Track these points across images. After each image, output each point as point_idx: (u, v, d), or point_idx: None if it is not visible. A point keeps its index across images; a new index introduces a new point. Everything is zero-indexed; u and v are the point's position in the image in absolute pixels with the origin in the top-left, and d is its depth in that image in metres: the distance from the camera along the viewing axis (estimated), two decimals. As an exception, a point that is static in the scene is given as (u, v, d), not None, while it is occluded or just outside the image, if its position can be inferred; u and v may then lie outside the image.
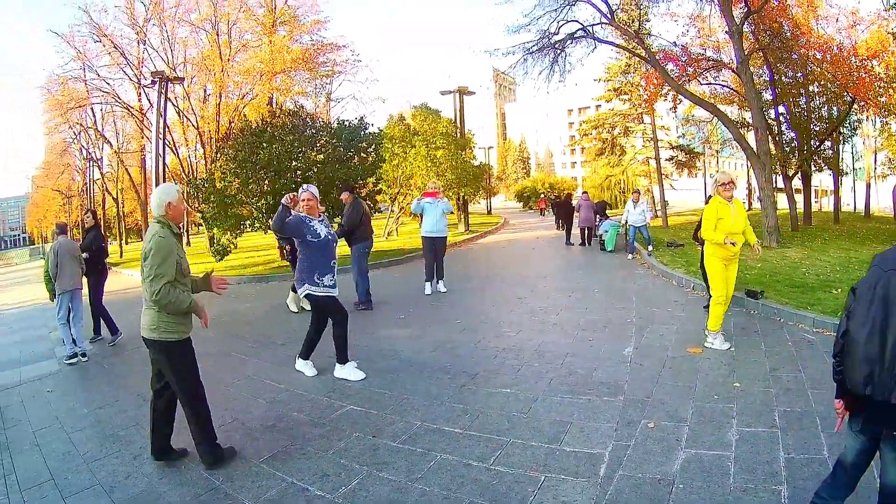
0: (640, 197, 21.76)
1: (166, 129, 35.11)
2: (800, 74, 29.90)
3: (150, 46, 46.21)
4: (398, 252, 27.37)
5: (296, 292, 13.79)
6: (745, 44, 24.15)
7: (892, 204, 5.86)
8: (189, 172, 45.64)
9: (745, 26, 24.27)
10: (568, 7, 26.05)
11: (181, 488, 5.68)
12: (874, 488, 3.84)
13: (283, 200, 8.48)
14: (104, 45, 45.10)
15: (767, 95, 31.04)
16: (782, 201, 30.88)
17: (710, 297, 11.49)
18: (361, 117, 25.62)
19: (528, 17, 27.02)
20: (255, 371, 9.50)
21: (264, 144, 22.50)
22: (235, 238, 24.99)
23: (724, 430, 5.93)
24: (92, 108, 53.42)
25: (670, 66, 28.26)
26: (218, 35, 44.22)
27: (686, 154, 51.35)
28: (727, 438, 5.74)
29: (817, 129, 31.83)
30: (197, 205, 32.05)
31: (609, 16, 25.76)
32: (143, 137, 51.71)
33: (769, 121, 29.44)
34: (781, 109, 31.89)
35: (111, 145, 58.68)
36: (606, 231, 23.83)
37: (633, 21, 28.37)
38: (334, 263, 8.87)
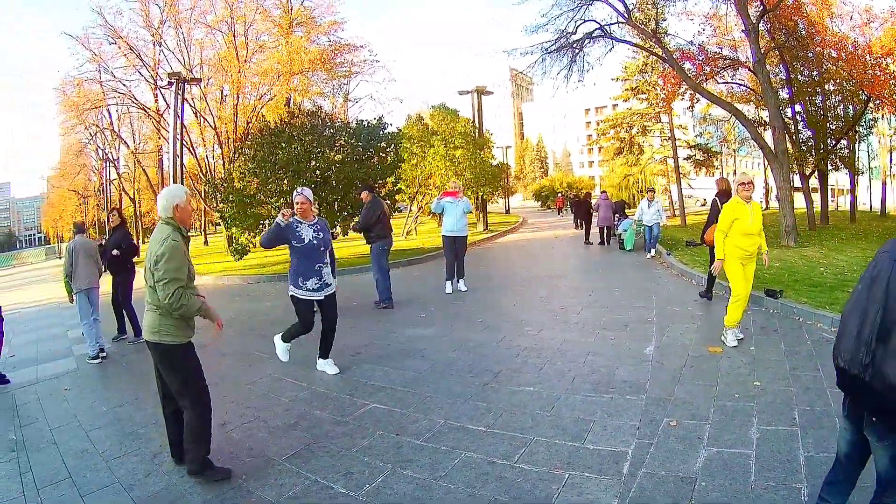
0: (655, 196, 21.55)
1: (184, 130, 35.13)
2: (815, 73, 29.82)
3: (166, 48, 46.32)
4: (418, 251, 27.36)
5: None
6: (760, 42, 24.07)
7: None
8: (207, 172, 45.58)
9: (760, 25, 24.19)
10: (585, 7, 26.04)
11: (202, 486, 5.67)
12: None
13: (277, 218, 8.60)
14: (119, 47, 45.23)
15: (784, 94, 30.92)
16: (799, 200, 30.76)
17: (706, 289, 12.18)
18: (380, 117, 25.59)
19: (546, 17, 27.05)
20: (275, 370, 9.50)
21: (283, 144, 22.63)
22: (254, 237, 24.99)
23: (745, 429, 5.91)
24: (108, 109, 53.76)
25: (687, 65, 28.17)
26: (234, 36, 44.12)
27: (704, 153, 51.19)
28: (748, 437, 5.73)
29: (833, 127, 31.75)
30: (216, 204, 32.11)
31: (626, 15, 25.75)
32: (160, 138, 51.85)
33: (786, 119, 29.36)
34: (798, 108, 31.81)
35: (128, 146, 58.96)
36: (625, 230, 23.77)
37: (649, 20, 28.27)
38: (320, 267, 8.89)
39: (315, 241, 8.75)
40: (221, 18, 44.39)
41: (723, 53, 30.68)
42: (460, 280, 15.75)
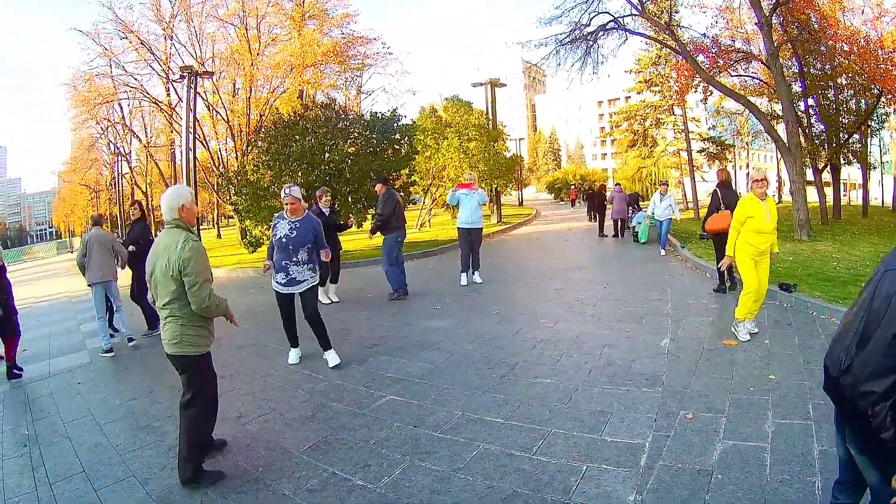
0: (668, 190, 21.28)
1: (196, 123, 35.14)
2: (828, 66, 29.69)
3: (178, 42, 46.33)
4: (432, 243, 27.43)
5: (324, 286, 13.87)
6: (773, 36, 23.97)
7: None
8: (219, 165, 45.62)
9: (773, 18, 24.09)
10: (598, -2, 25.93)
11: (218, 480, 5.67)
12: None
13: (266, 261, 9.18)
14: (130, 42, 45.27)
15: (797, 87, 30.80)
16: (812, 194, 30.69)
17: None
18: (394, 109, 25.55)
19: (560, 9, 26.97)
20: (290, 362, 9.51)
21: (297, 137, 22.62)
22: (268, 229, 24.81)
23: (761, 422, 5.92)
24: (119, 104, 53.73)
25: (700, 58, 28.09)
26: (247, 29, 44.11)
27: (717, 146, 51.05)
28: (763, 430, 5.74)
29: (846, 121, 31.61)
30: (229, 197, 32.17)
31: (639, 7, 25.73)
32: (172, 131, 51.94)
33: (799, 113, 29.27)
34: (811, 102, 31.64)
35: (140, 140, 58.94)
36: (640, 223, 23.82)
37: (662, 12, 28.19)
38: (286, 264, 9.01)
39: (284, 239, 8.90)
40: (233, 12, 44.44)
41: (736, 46, 30.54)
42: (475, 272, 15.79)
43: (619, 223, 26.93)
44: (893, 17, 27.42)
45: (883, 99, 29.30)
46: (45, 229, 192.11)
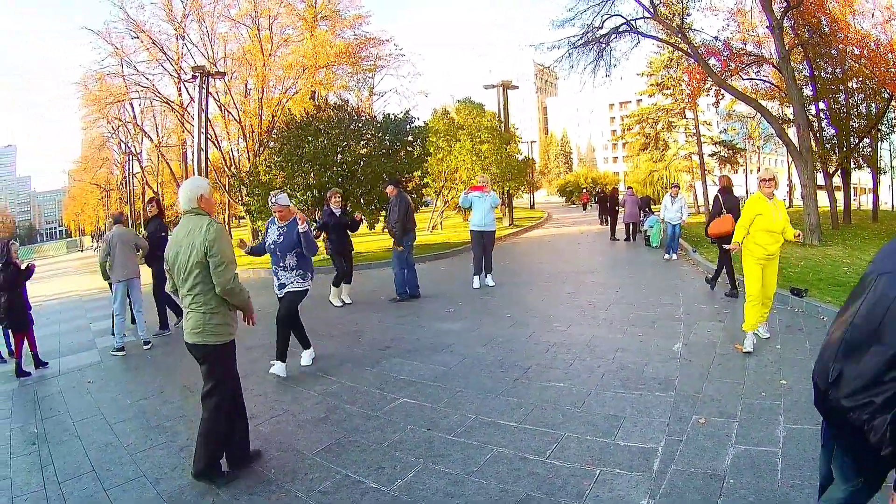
0: (679, 192, 20.97)
1: (208, 123, 35.17)
2: (838, 70, 29.63)
3: (190, 42, 46.29)
4: (444, 245, 27.41)
5: (337, 287, 13.88)
6: (784, 39, 23.93)
7: None
8: (231, 166, 45.66)
9: (784, 21, 24.05)
10: (611, 1, 26.05)
11: (231, 480, 5.68)
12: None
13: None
14: (142, 41, 45.26)
15: (808, 91, 30.70)
16: (822, 199, 30.61)
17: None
18: (407, 111, 25.66)
19: (573, 11, 27.05)
20: (303, 364, 9.52)
21: (309, 138, 22.81)
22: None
23: (773, 427, 5.91)
24: (131, 103, 53.72)
25: (712, 61, 28.11)
26: (259, 30, 44.10)
27: (728, 149, 51.03)
28: (775, 435, 5.73)
29: (856, 125, 31.51)
30: (241, 197, 32.24)
31: (651, 10, 25.73)
32: (183, 131, 51.94)
33: (810, 117, 29.20)
34: (822, 105, 31.57)
35: (151, 139, 58.98)
36: (651, 227, 23.78)
37: (674, 15, 28.19)
38: (276, 269, 9.16)
39: (273, 245, 8.99)
40: (245, 12, 44.42)
41: (747, 49, 30.53)
42: (488, 275, 15.78)
43: (631, 227, 26.88)
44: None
45: (893, 103, 29.33)
46: (55, 227, 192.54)
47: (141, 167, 67.61)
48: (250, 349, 10.49)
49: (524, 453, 5.66)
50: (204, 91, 30.32)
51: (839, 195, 34.06)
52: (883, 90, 27.94)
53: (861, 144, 32.06)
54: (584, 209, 67.17)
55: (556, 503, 4.81)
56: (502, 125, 40.89)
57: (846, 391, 2.83)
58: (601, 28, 26.79)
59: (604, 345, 9.35)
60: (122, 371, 10.68)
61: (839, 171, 32.33)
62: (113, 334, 12.15)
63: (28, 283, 11.42)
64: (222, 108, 44.75)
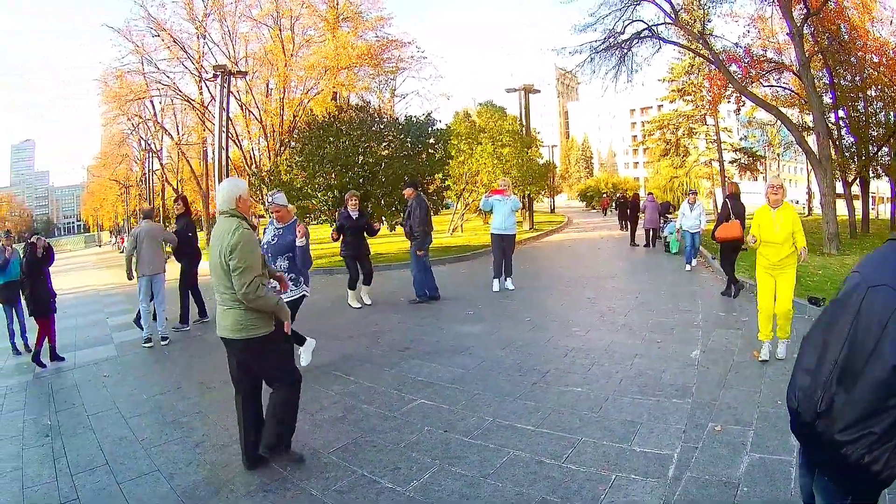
0: (697, 199, 20.75)
1: (229, 122, 35.28)
2: (857, 78, 29.47)
3: (211, 41, 46.52)
4: (465, 248, 27.40)
5: (353, 289, 13.88)
6: (805, 46, 23.84)
7: None
8: (252, 165, 45.81)
9: (804, 28, 23.96)
10: (632, 7, 25.96)
11: (246, 477, 5.71)
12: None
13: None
14: (163, 40, 45.48)
15: (827, 99, 30.55)
16: (841, 207, 30.44)
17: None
18: (429, 113, 25.66)
19: (594, 16, 26.99)
20: (322, 362, 9.54)
21: (331, 138, 22.84)
22: (299, 229, 25.05)
23: (788, 436, 5.78)
24: (151, 101, 54.00)
25: (733, 68, 27.99)
26: (280, 30, 44.37)
27: (749, 157, 50.90)
28: (790, 444, 5.65)
29: (875, 134, 31.31)
30: (261, 197, 32.34)
31: (673, 16, 25.60)
32: (204, 130, 52.06)
33: (829, 125, 29.04)
34: (841, 114, 31.38)
35: (171, 137, 59.20)
36: (671, 233, 23.65)
37: (695, 21, 28.10)
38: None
39: (265, 246, 8.82)
40: (267, 12, 44.68)
41: (768, 56, 30.43)
42: (508, 278, 15.73)
43: (651, 233, 26.84)
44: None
45: (911, 111, 29.13)
46: (73, 222, 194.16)
47: (161, 164, 67.91)
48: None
49: (540, 457, 5.66)
50: (225, 90, 30.51)
51: (857, 204, 33.90)
52: (901, 98, 27.85)
53: (880, 153, 31.88)
54: (604, 214, 67.01)
55: (571, 507, 4.80)
56: (524, 129, 40.81)
57: (841, 425, 2.52)
58: (623, 33, 26.68)
59: (622, 350, 9.34)
60: (140, 366, 10.71)
61: (858, 179, 32.16)
62: (141, 327, 12.32)
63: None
64: (243, 107, 44.98)
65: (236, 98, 42.38)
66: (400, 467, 5.65)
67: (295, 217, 9.24)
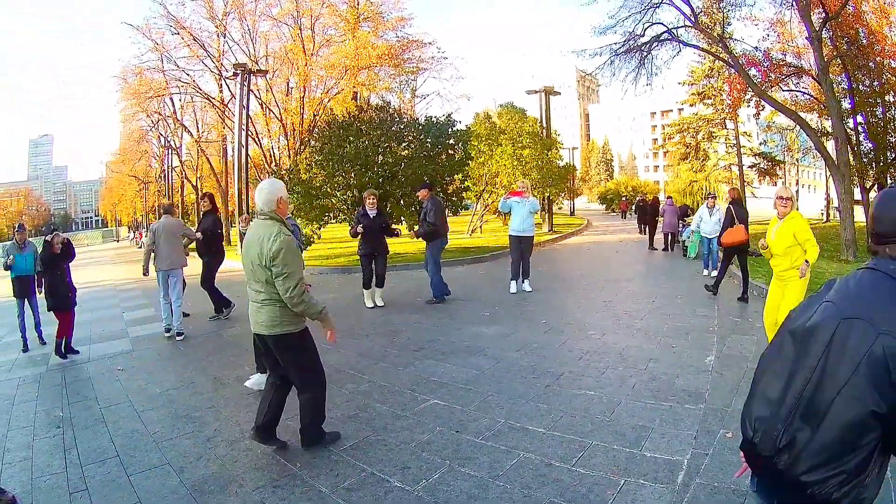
0: (716, 203, 19.93)
1: (249, 121, 35.40)
2: (876, 83, 29.32)
3: (231, 39, 46.86)
4: (484, 249, 27.45)
5: (369, 288, 13.87)
6: (823, 50, 23.74)
7: None
8: (272, 163, 45.98)
9: (823, 32, 23.84)
10: (652, 9, 25.95)
11: (256, 472, 5.76)
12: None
13: None
14: (182, 38, 45.79)
15: (846, 104, 30.39)
16: (859, 213, 30.30)
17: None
18: (449, 114, 25.69)
19: (614, 19, 27.09)
20: (337, 361, 9.55)
21: (351, 138, 22.88)
22: (319, 229, 25.53)
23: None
24: (171, 98, 54.30)
25: (753, 71, 27.96)
26: (301, 30, 44.59)
27: (768, 162, 50.78)
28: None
29: (893, 140, 31.17)
30: (285, 195, 32.56)
31: (693, 18, 25.54)
32: (224, 127, 52.28)
33: (848, 130, 28.90)
34: (860, 119, 31.21)
35: (191, 134, 59.45)
36: (689, 237, 23.44)
37: (715, 24, 28.03)
38: None
39: None
40: (287, 12, 44.93)
41: (787, 60, 30.34)
42: (525, 280, 15.72)
43: (669, 237, 26.79)
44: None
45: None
46: (91, 217, 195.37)
47: (180, 161, 68.27)
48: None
49: (550, 460, 5.64)
50: (245, 88, 30.56)
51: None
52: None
53: (898, 159, 31.73)
54: (623, 217, 67.27)
55: (579, 511, 4.79)
56: (544, 131, 40.77)
57: (806, 465, 2.31)
58: (642, 36, 26.69)
59: (637, 354, 9.31)
60: (154, 360, 10.80)
61: (876, 185, 31.99)
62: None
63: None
64: (263, 105, 45.28)
65: (256, 96, 42.60)
66: (410, 467, 5.65)
67: (290, 216, 9.03)
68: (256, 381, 8.25)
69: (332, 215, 25.00)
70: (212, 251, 13.95)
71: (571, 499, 4.92)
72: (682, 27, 26.52)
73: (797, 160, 62.02)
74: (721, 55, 28.38)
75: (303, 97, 44.21)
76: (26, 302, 12.51)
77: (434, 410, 7.16)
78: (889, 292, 2.33)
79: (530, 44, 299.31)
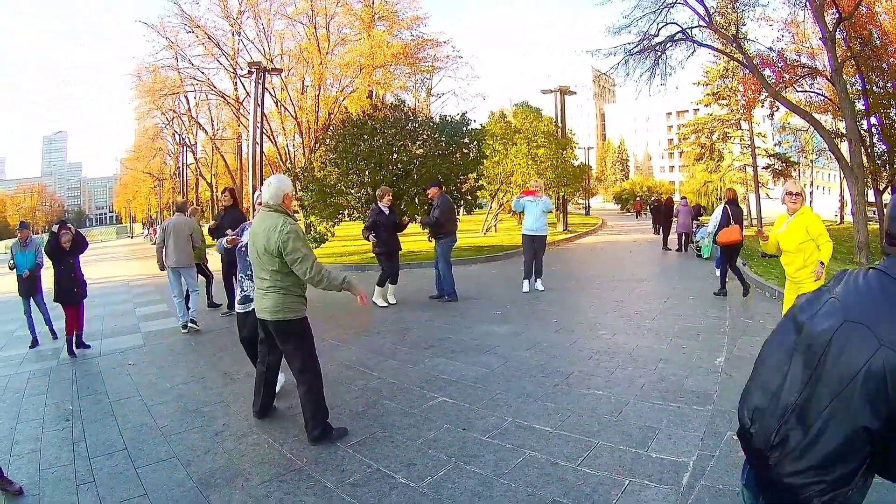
0: None
1: (264, 119, 35.48)
2: (890, 84, 29.22)
3: (246, 38, 47.14)
4: (497, 248, 27.45)
5: (382, 287, 13.90)
6: (837, 51, 23.66)
7: None
8: (287, 161, 46.36)
9: (837, 33, 23.77)
10: (666, 9, 25.96)
11: (262, 467, 5.77)
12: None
13: (222, 241, 8.71)
14: (197, 36, 46.09)
15: (860, 105, 30.29)
16: (872, 216, 30.18)
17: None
18: (464, 113, 25.64)
19: (629, 19, 27.14)
20: (348, 358, 9.62)
21: (365, 136, 22.87)
22: (333, 227, 25.63)
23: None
24: (185, 96, 54.61)
25: (767, 72, 27.93)
26: (316, 28, 44.67)
27: (782, 163, 50.65)
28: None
29: (906, 143, 31.08)
30: (295, 192, 32.53)
31: (707, 19, 25.52)
32: (239, 125, 52.68)
33: (861, 132, 28.79)
34: (874, 121, 31.07)
35: (206, 132, 59.79)
36: (702, 238, 23.32)
37: (730, 24, 27.97)
38: (241, 279, 8.07)
39: (244, 249, 7.86)
40: (302, 10, 45.05)
41: (801, 61, 30.26)
42: (538, 279, 15.72)
43: (683, 237, 26.67)
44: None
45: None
46: (105, 213, 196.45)
47: (195, 158, 68.69)
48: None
49: (556, 459, 5.64)
50: (260, 87, 30.72)
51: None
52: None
53: (911, 162, 31.59)
54: (637, 217, 67.46)
55: (582, 510, 4.80)
56: (559, 130, 40.73)
57: (792, 468, 2.23)
58: (657, 36, 26.72)
59: (647, 355, 9.28)
60: (165, 355, 10.86)
61: (889, 187, 31.85)
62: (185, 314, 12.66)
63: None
64: (278, 103, 45.51)
65: (271, 95, 42.81)
66: (415, 463, 5.67)
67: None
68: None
69: (346, 213, 25.14)
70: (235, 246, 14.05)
71: (575, 498, 4.92)
72: (696, 27, 26.55)
73: (811, 161, 61.85)
74: (735, 55, 28.36)
75: (318, 95, 44.30)
76: (32, 300, 12.51)
77: (442, 408, 7.17)
78: None
79: (549, 45, 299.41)
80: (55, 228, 11.36)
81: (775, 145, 55.47)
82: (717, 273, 15.58)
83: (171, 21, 45.82)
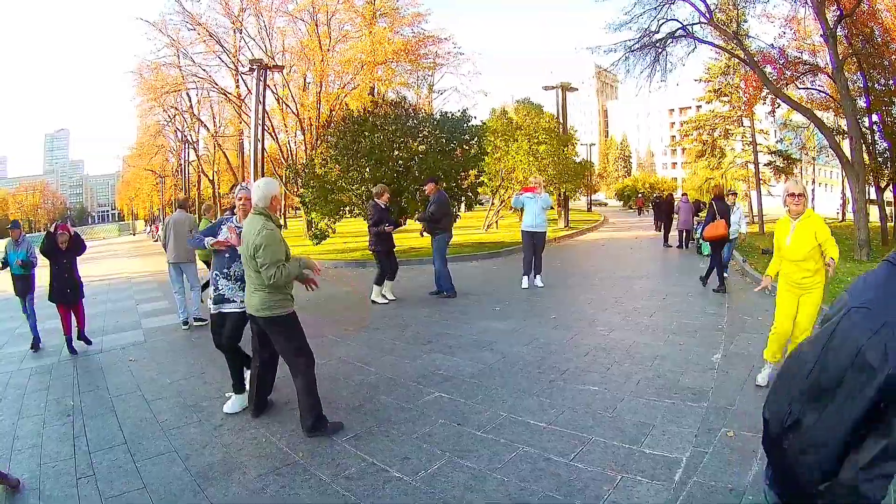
0: (736, 200, 18.96)
1: (265, 116, 35.51)
2: (892, 82, 29.16)
3: (247, 35, 47.16)
4: (498, 244, 27.46)
5: (379, 284, 13.96)
6: (838, 49, 23.65)
7: None
8: (288, 158, 46.20)
9: (838, 30, 23.75)
10: (667, 6, 25.95)
11: (259, 460, 5.85)
12: None
13: (210, 241, 7.64)
14: (199, 34, 46.07)
15: (861, 103, 30.22)
16: (873, 213, 30.13)
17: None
18: (464, 109, 25.65)
19: (629, 15, 27.06)
20: (346, 353, 9.70)
21: (366, 133, 22.98)
22: (334, 223, 25.78)
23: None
24: (188, 93, 54.59)
25: (768, 69, 27.83)
26: (317, 25, 44.68)
27: (784, 160, 50.58)
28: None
29: (907, 139, 31.03)
30: (296, 189, 32.60)
31: (708, 15, 25.48)
32: (240, 122, 52.88)
33: (863, 129, 28.75)
34: (875, 118, 31.00)
35: (208, 129, 59.82)
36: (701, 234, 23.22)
37: (731, 21, 27.93)
38: (216, 276, 7.59)
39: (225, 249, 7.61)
40: (303, 7, 45.00)
41: (802, 58, 30.22)
42: (537, 276, 15.82)
43: (684, 234, 26.73)
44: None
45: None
46: (107, 211, 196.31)
47: (197, 155, 68.71)
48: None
49: (549, 454, 5.69)
50: (261, 84, 30.80)
51: (889, 210, 33.58)
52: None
53: (913, 159, 31.55)
54: (639, 214, 67.74)
55: (572, 505, 4.86)
56: (561, 127, 40.85)
57: (812, 446, 2.37)
58: (657, 32, 26.69)
59: (644, 351, 9.32)
60: (166, 351, 10.97)
61: (891, 185, 31.84)
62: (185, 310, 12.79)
63: (77, 264, 11.55)
64: (280, 100, 45.39)
65: (273, 92, 42.72)
66: (410, 458, 5.73)
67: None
68: (234, 403, 7.37)
69: (346, 210, 25.09)
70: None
71: (567, 493, 4.96)
72: (697, 24, 26.51)
73: (813, 158, 61.77)
74: (737, 52, 28.38)
75: (320, 92, 44.34)
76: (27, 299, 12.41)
77: (438, 403, 7.23)
78: None
79: (551, 41, 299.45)
80: (52, 228, 11.36)
81: (777, 142, 55.39)
82: (716, 271, 15.59)
83: (172, 19, 46.05)
